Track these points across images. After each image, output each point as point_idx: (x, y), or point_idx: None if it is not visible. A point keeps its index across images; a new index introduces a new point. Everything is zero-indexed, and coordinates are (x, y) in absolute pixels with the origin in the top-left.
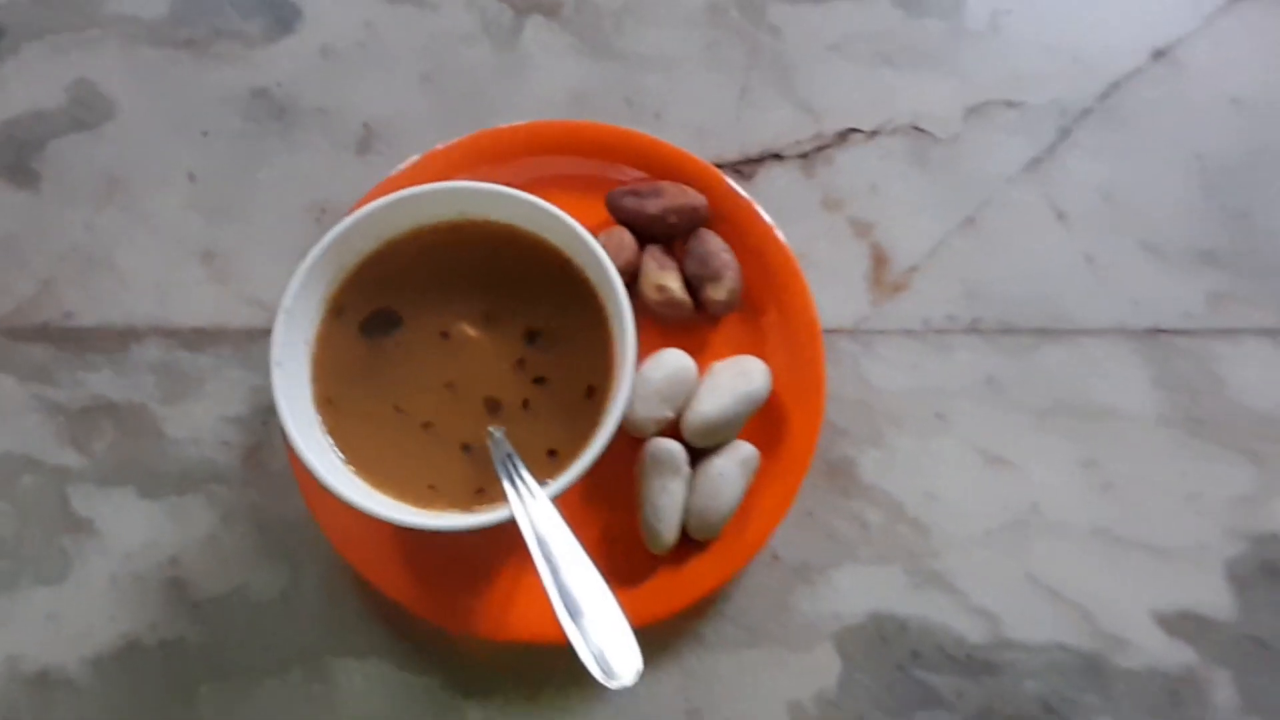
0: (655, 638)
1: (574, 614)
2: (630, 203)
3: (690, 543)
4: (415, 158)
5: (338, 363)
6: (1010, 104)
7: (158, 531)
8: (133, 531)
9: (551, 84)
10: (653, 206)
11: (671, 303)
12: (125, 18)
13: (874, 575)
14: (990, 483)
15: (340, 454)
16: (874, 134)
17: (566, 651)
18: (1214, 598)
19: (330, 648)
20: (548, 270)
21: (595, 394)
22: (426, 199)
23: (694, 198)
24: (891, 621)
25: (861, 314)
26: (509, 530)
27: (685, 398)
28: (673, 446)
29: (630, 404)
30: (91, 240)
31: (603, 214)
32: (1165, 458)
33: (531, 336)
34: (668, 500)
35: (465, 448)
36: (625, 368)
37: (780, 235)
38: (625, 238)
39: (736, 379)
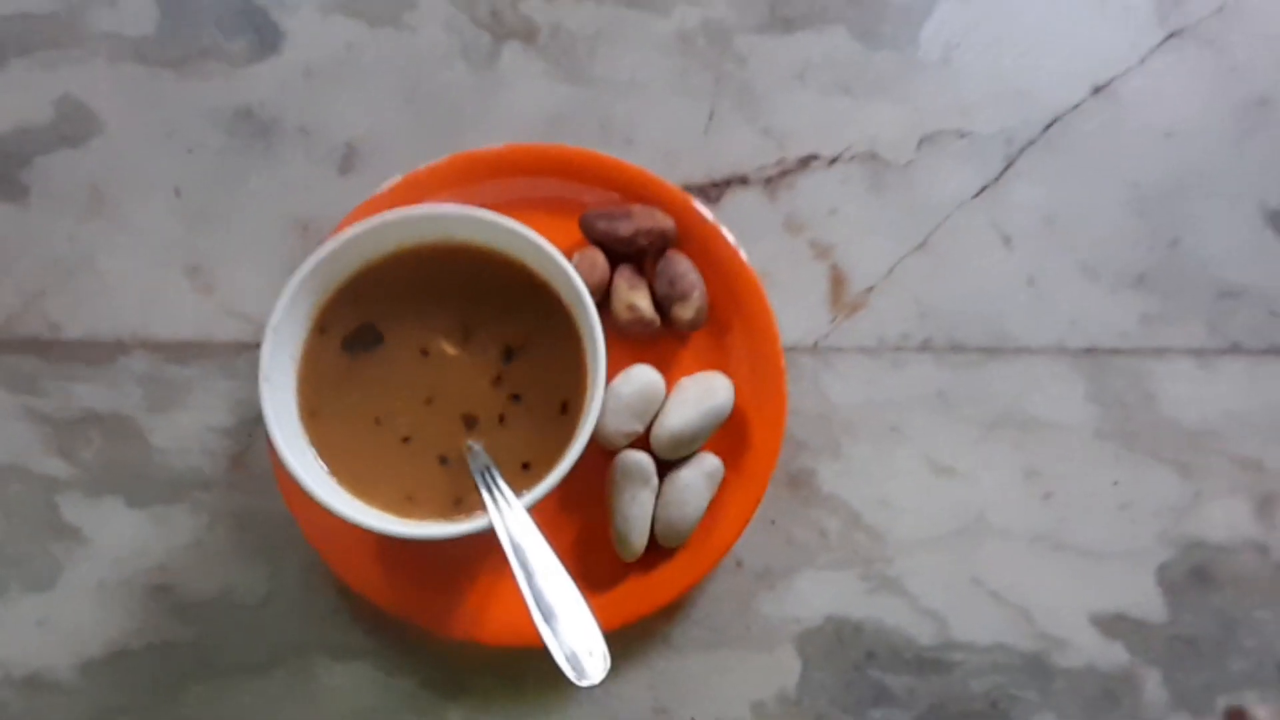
0: (625, 640)
1: (548, 617)
2: (603, 225)
3: (658, 550)
4: (396, 178)
5: (321, 377)
6: (960, 134)
7: (145, 538)
8: (121, 538)
9: (527, 107)
10: (624, 229)
11: (641, 321)
12: (111, 36)
13: (832, 580)
14: (940, 492)
15: (324, 464)
16: (834, 160)
17: (541, 653)
18: (1146, 601)
19: (313, 649)
20: (524, 291)
21: (569, 409)
22: (408, 222)
23: (663, 221)
24: (848, 624)
25: (821, 332)
26: (486, 538)
27: (654, 412)
28: (642, 458)
29: (601, 418)
30: (78, 254)
31: (576, 234)
32: (1101, 469)
33: (509, 354)
34: (637, 510)
35: (443, 460)
36: (597, 386)
37: (744, 256)
38: (598, 258)
39: (703, 394)
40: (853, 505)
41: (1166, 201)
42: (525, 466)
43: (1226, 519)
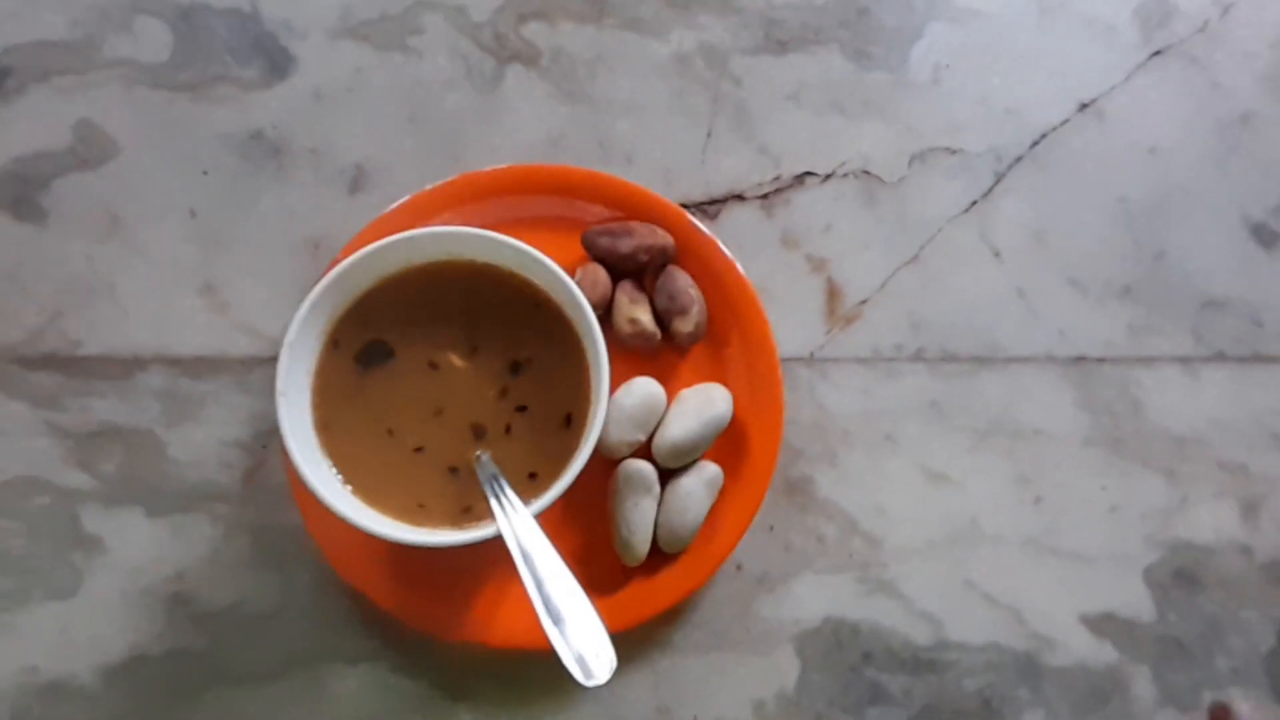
0: (628, 643)
1: (556, 621)
2: (604, 242)
3: (661, 555)
4: (405, 198)
5: (335, 391)
6: (951, 151)
7: (163, 548)
8: (140, 548)
9: (530, 128)
10: (625, 245)
11: (642, 334)
12: (127, 61)
13: (829, 584)
14: (934, 498)
15: (339, 475)
16: (828, 177)
17: (547, 656)
18: (1134, 601)
19: (325, 654)
20: (529, 306)
21: (572, 421)
22: (417, 241)
23: (663, 237)
24: (845, 626)
25: (817, 343)
26: (493, 545)
27: (655, 422)
28: (644, 467)
29: (604, 428)
30: (96, 273)
31: (578, 251)
32: (1089, 474)
33: (515, 368)
34: (640, 516)
35: (453, 470)
36: (600, 397)
37: (742, 271)
38: (600, 274)
39: (702, 405)
40: (849, 511)
41: (1152, 215)
42: (532, 476)
43: (1212, 522)
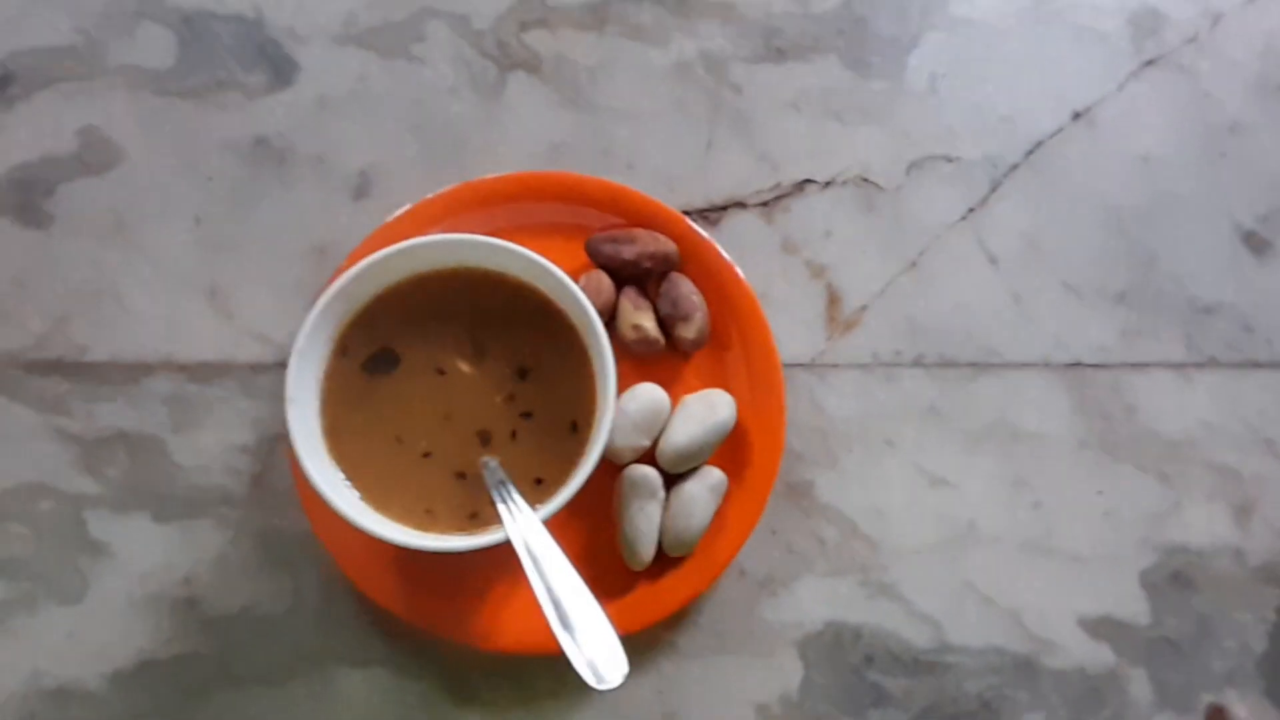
0: (633, 647)
1: (565, 625)
2: (608, 249)
3: (665, 559)
4: (408, 206)
5: (343, 397)
6: (947, 158)
7: (171, 553)
8: (147, 553)
9: (532, 135)
10: (628, 252)
11: (646, 340)
12: (131, 68)
13: (831, 587)
14: (933, 501)
15: (347, 481)
16: (827, 184)
17: (554, 659)
18: (1130, 603)
19: (332, 658)
20: (534, 313)
21: (579, 427)
22: (423, 249)
23: (666, 244)
24: (847, 629)
25: (817, 349)
26: (499, 549)
27: (659, 428)
28: (649, 472)
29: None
30: (102, 279)
31: (582, 258)
32: (1085, 478)
33: (522, 373)
34: (645, 521)
35: (460, 475)
36: (606, 405)
37: (743, 277)
38: (604, 281)
39: (706, 410)
40: (850, 515)
41: (1144, 222)
42: (538, 482)
43: (1206, 525)
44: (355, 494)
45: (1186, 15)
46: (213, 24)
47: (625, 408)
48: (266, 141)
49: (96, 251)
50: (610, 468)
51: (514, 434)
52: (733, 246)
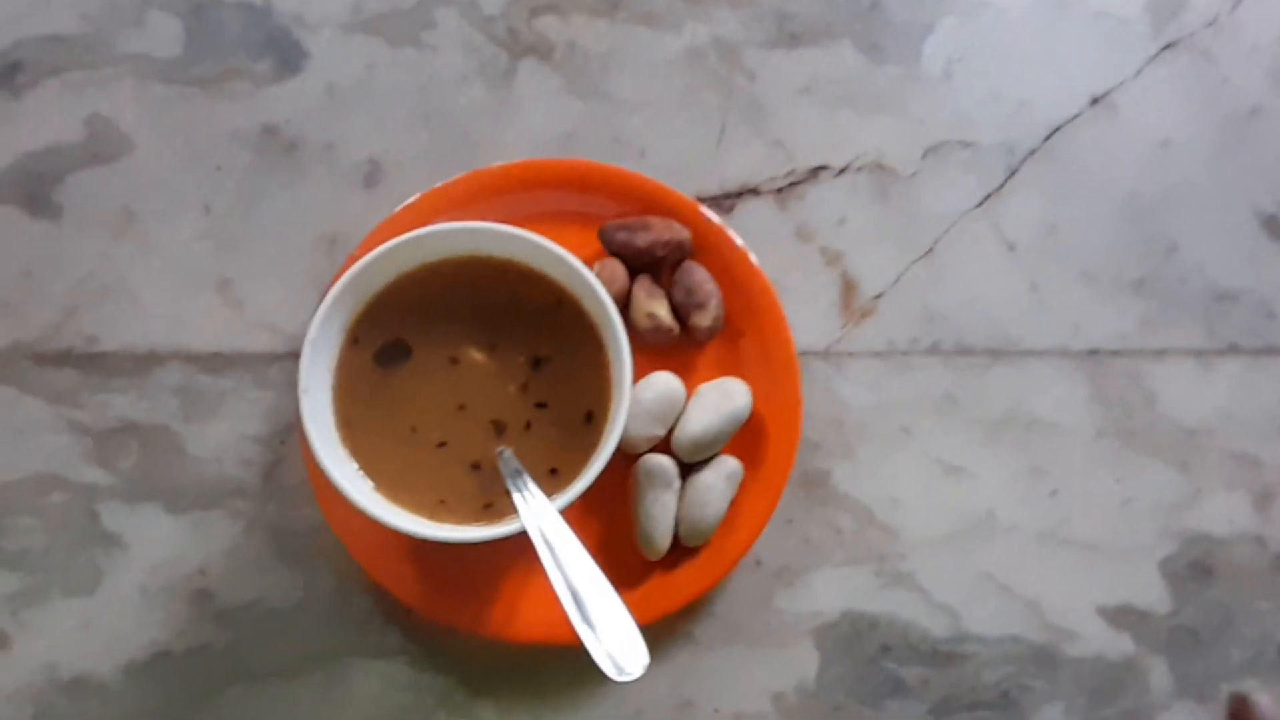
0: (649, 637)
1: (584, 616)
2: (621, 236)
3: (681, 549)
4: (419, 195)
5: (356, 388)
6: (964, 144)
7: (184, 545)
8: (160, 545)
9: (544, 123)
10: (642, 240)
11: (660, 329)
12: (138, 56)
13: (847, 576)
14: (949, 490)
15: (361, 471)
16: (842, 171)
17: (570, 650)
18: (1149, 593)
19: (347, 650)
20: (548, 303)
21: (594, 418)
22: (435, 238)
23: (679, 232)
24: (863, 619)
25: (832, 337)
26: (514, 540)
27: (675, 417)
28: (664, 462)
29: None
30: (111, 269)
31: (594, 246)
32: (1104, 466)
33: (536, 363)
34: (660, 511)
35: (474, 466)
36: (622, 394)
37: (758, 265)
38: (617, 269)
39: (721, 399)
40: (866, 504)
41: (1163, 208)
42: (553, 472)
43: (1226, 513)
44: (369, 484)
45: None
46: (220, 12)
47: (640, 397)
48: (275, 130)
49: (106, 242)
50: (625, 457)
51: (528, 424)
52: (746, 234)
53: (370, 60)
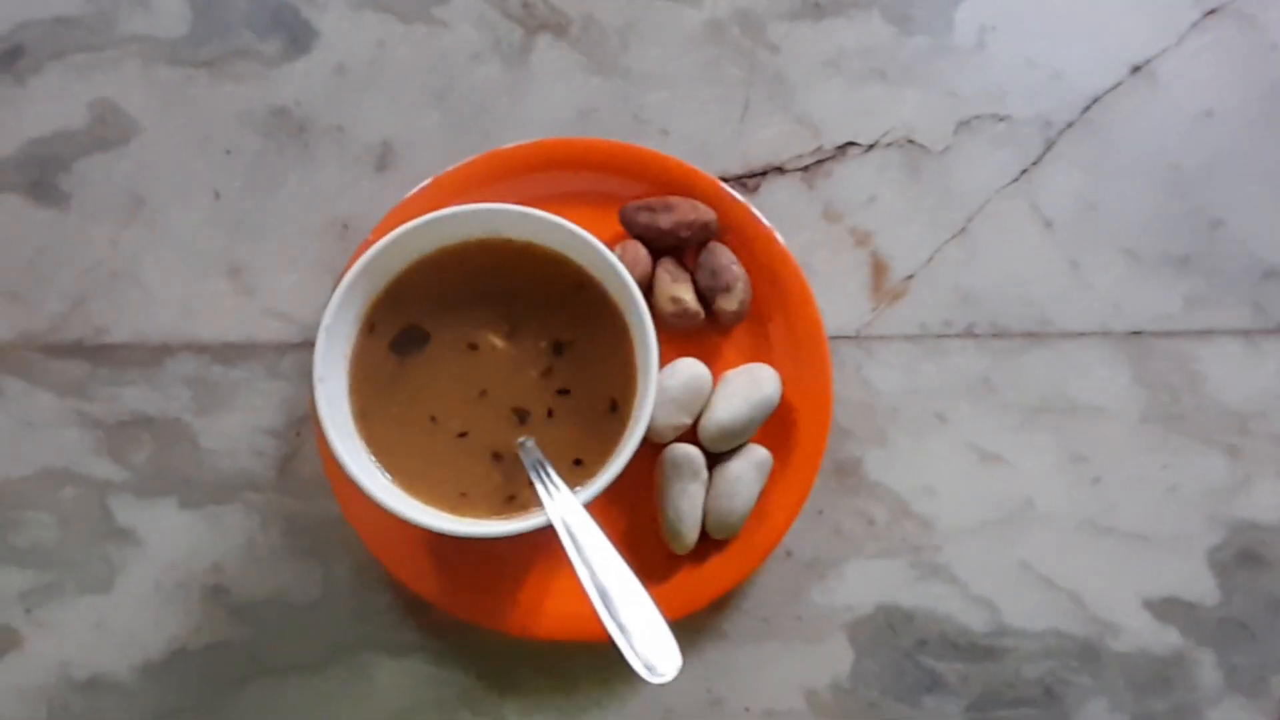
0: (678, 632)
1: (612, 613)
2: (644, 218)
3: (709, 542)
4: (433, 177)
5: (372, 377)
6: (998, 117)
7: (198, 540)
8: (174, 540)
9: (561, 101)
10: (665, 221)
11: (685, 313)
12: (143, 38)
13: (881, 569)
14: (987, 478)
15: (378, 464)
16: (871, 147)
17: (595, 646)
18: (1197, 583)
19: (367, 646)
20: (569, 286)
21: (618, 407)
22: (453, 220)
23: (704, 213)
24: (898, 612)
25: (863, 320)
26: (538, 533)
27: (701, 405)
28: (691, 451)
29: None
30: (120, 258)
31: (614, 228)
32: (1148, 452)
33: (558, 348)
34: (688, 502)
35: (496, 456)
36: (648, 382)
37: (785, 246)
38: (640, 251)
39: (749, 386)
40: (900, 493)
41: (1208, 181)
42: (577, 462)
43: (1276, 500)
44: (387, 477)
45: None
46: None
47: (666, 384)
48: (285, 112)
49: (114, 229)
50: (650, 447)
51: (550, 412)
52: (772, 214)
53: (381, 38)
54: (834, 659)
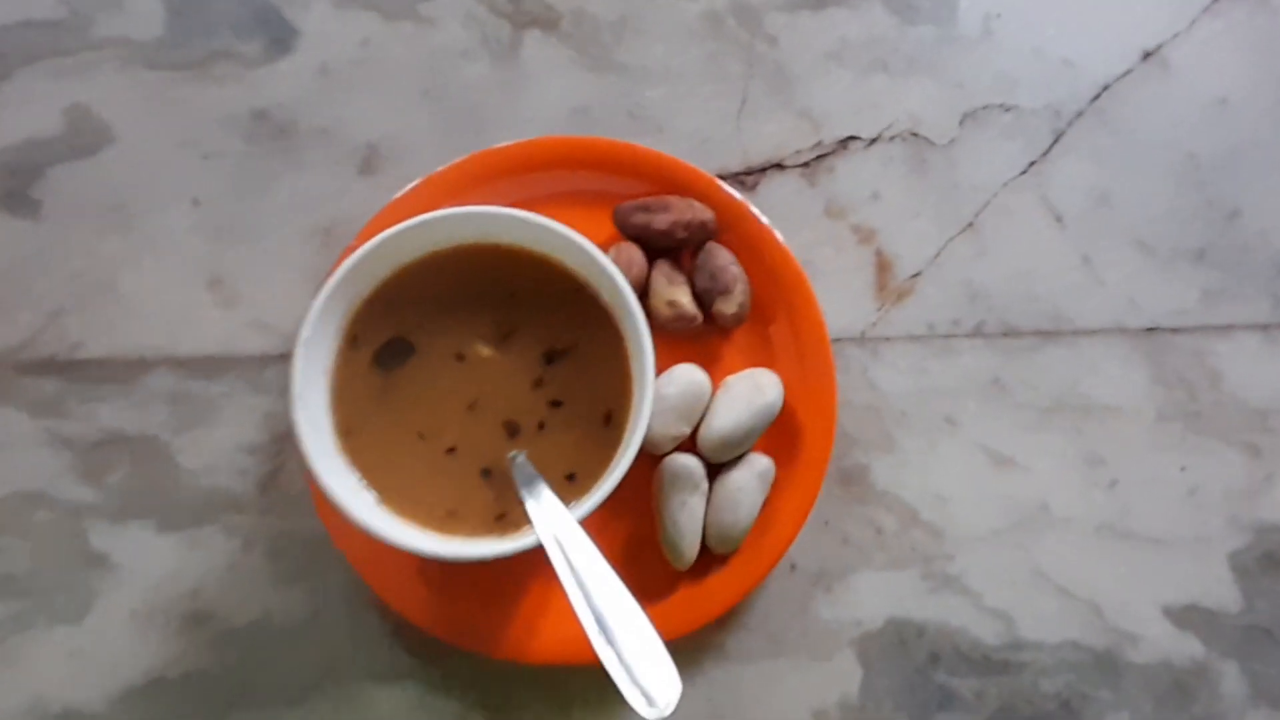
0: (678, 651)
1: (608, 638)
2: (639, 218)
3: (710, 556)
4: (420, 179)
5: (355, 393)
6: (1005, 108)
7: (178, 564)
8: (152, 565)
9: (553, 98)
10: (661, 222)
11: (683, 317)
12: (118, 40)
13: (890, 580)
14: (999, 483)
15: (363, 483)
16: (873, 141)
17: (590, 670)
18: (1219, 589)
19: (357, 673)
20: (562, 293)
21: (614, 418)
22: (438, 225)
23: (702, 212)
24: (909, 626)
25: (868, 321)
26: (531, 553)
27: (700, 413)
28: (690, 462)
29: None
30: (95, 269)
31: (608, 229)
32: (1166, 453)
33: (549, 357)
34: (687, 516)
35: (485, 472)
36: (644, 391)
37: (786, 246)
38: (634, 253)
39: (750, 392)
40: (909, 501)
41: (1224, 171)
42: (570, 477)
43: None
44: (372, 496)
45: None
46: None
47: (663, 392)
48: (266, 115)
49: (89, 240)
50: (647, 458)
51: (542, 425)
52: (772, 212)
53: (365, 36)
54: (843, 676)
